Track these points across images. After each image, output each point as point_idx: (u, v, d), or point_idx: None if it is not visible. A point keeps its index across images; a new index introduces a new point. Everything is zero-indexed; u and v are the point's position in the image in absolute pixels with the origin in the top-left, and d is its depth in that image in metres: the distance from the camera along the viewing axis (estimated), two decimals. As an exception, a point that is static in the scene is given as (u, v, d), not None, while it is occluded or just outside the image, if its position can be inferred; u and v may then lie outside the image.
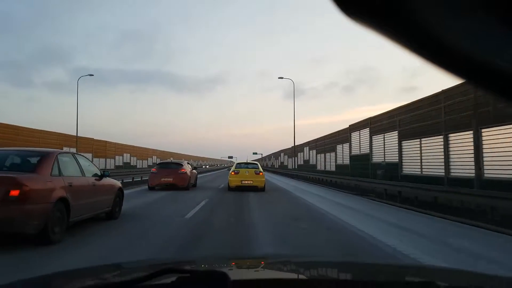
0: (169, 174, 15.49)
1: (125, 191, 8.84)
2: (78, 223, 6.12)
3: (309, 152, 34.30)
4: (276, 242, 5.82)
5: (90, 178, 6.62)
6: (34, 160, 5.67)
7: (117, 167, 42.60)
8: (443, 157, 11.85)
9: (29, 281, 1.16)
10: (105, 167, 38.24)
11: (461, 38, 0.36)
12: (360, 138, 19.96)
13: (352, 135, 21.44)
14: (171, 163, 17.20)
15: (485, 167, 9.89)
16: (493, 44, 0.35)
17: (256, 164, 16.75)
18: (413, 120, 13.89)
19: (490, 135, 9.75)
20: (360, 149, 19.99)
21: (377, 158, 17.64)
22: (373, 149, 18.14)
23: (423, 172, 13.19)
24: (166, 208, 9.76)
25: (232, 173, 15.76)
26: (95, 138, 40.85)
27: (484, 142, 9.95)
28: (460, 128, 10.98)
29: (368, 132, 18.56)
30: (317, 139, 30.79)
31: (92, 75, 38.66)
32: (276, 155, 63.13)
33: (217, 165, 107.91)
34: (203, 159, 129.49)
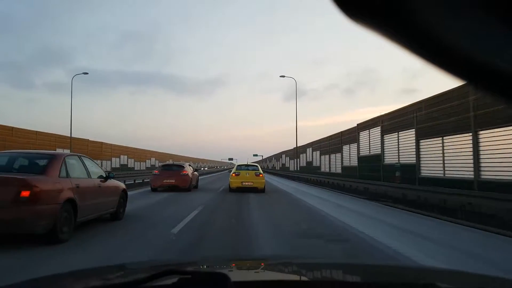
0: (171, 176, 15.82)
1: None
2: (84, 223, 6.28)
3: (312, 153, 32.87)
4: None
5: (95, 180, 6.76)
6: (42, 162, 5.78)
7: (113, 169, 41.21)
8: (472, 157, 10.41)
9: (33, 282, 1.20)
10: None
11: (461, 39, 0.36)
12: (369, 137, 18.51)
13: (360, 134, 19.99)
14: (173, 165, 17.68)
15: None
16: (493, 44, 0.35)
17: (256, 166, 16.98)
18: (433, 116, 12.44)
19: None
20: (369, 150, 18.54)
21: (389, 159, 16.19)
22: (385, 149, 16.69)
23: (446, 175, 11.74)
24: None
25: (233, 174, 16.07)
26: (91, 139, 39.70)
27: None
28: (494, 123, 9.54)
29: (379, 131, 17.11)
30: (321, 139, 29.35)
31: (87, 73, 37.04)
32: (277, 156, 61.72)
33: (216, 167, 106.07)
34: (203, 161, 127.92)
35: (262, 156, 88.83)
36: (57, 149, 30.33)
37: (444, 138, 11.87)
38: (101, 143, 42.00)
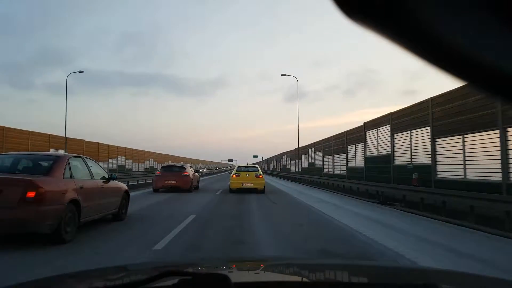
0: (173, 177, 16.05)
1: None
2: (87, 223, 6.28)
3: (314, 154, 31.73)
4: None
5: (98, 181, 6.83)
6: (47, 163, 5.86)
7: (110, 170, 40.07)
8: (499, 157, 9.28)
9: (36, 282, 1.23)
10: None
11: (461, 39, 0.36)
12: (378, 136, 17.37)
13: (367, 134, 18.85)
14: (175, 166, 17.85)
15: None
16: (496, 45, 0.36)
17: (256, 167, 17.32)
18: (452, 112, 11.31)
19: None
20: (378, 150, 17.39)
21: (401, 159, 15.05)
22: (395, 149, 15.55)
23: (467, 177, 10.61)
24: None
25: (233, 176, 16.30)
26: (86, 139, 38.63)
27: None
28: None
29: (389, 130, 15.96)
30: (325, 139, 28.21)
31: (82, 71, 35.98)
32: (278, 157, 60.55)
33: (216, 168, 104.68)
34: (202, 162, 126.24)
35: (262, 157, 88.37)
36: (51, 149, 29.58)
37: (465, 136, 10.73)
38: (98, 143, 40.92)
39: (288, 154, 48.73)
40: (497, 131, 9.35)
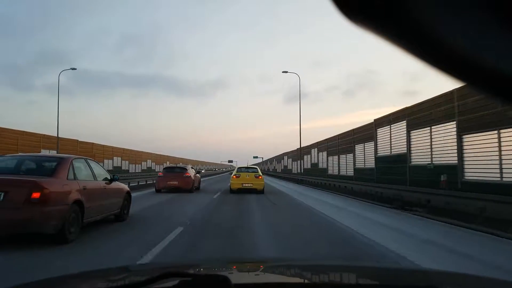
0: (175, 178, 16.36)
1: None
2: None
3: (318, 154, 30.23)
4: None
5: (101, 182, 6.90)
6: (51, 165, 5.94)
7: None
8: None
9: (39, 283, 1.23)
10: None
11: (461, 40, 0.36)
12: (391, 134, 15.84)
13: (378, 131, 17.32)
14: (177, 167, 18.25)
15: None
16: (496, 46, 0.35)
17: (256, 168, 17.64)
18: (484, 104, 9.78)
19: None
20: (391, 149, 15.87)
21: (418, 159, 13.53)
22: (411, 148, 14.03)
23: (504, 178, 9.11)
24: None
25: (234, 176, 16.60)
26: (80, 139, 37.18)
27: None
28: None
29: (405, 126, 14.43)
30: (329, 138, 26.70)
31: (75, 69, 34.61)
32: (279, 158, 59.06)
33: (215, 169, 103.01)
34: (202, 163, 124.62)
35: (263, 158, 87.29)
36: (42, 150, 28.27)
37: (502, 131, 9.22)
38: (92, 143, 39.48)
39: (289, 154, 47.32)
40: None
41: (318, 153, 30.19)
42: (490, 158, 9.62)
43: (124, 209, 7.79)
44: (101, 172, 7.22)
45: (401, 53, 0.38)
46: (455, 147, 11.08)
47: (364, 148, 19.09)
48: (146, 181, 22.69)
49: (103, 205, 6.73)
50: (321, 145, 29.17)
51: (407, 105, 14.36)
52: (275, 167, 62.77)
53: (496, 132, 9.39)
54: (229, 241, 6.02)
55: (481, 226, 7.75)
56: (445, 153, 11.69)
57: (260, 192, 16.13)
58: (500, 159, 9.26)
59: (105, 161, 40.80)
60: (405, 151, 14.34)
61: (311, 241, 6.20)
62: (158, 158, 59.34)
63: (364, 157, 19.08)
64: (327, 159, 26.79)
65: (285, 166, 49.95)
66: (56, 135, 31.10)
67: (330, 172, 25.81)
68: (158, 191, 16.39)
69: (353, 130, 21.00)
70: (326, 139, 27.48)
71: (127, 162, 46.93)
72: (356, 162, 20.41)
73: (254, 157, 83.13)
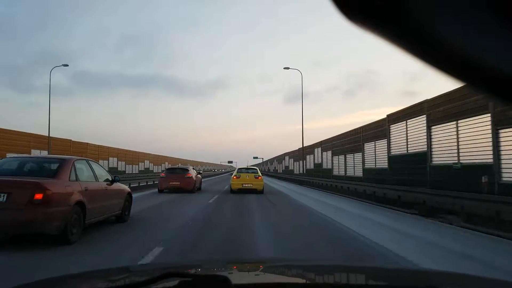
0: (177, 179, 16.79)
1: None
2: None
3: (321, 154, 28.67)
4: None
5: (102, 183, 6.97)
6: (53, 166, 6.03)
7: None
8: None
9: (40, 283, 1.24)
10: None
11: (462, 41, 0.36)
12: (407, 131, 14.28)
13: (391, 128, 15.78)
14: (178, 168, 18.67)
15: None
16: (496, 46, 0.35)
17: (256, 169, 18.18)
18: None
19: None
20: (407, 147, 14.31)
21: (440, 157, 11.97)
22: (433, 145, 12.48)
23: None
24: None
25: (234, 177, 17.10)
26: (73, 139, 35.70)
27: None
28: None
29: (425, 121, 12.87)
30: (334, 137, 25.15)
31: (67, 65, 33.29)
32: (280, 158, 57.50)
33: (214, 170, 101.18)
34: (201, 163, 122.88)
35: (263, 158, 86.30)
36: (32, 150, 26.74)
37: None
38: (86, 144, 37.96)
39: (290, 154, 45.81)
40: None
41: (322, 152, 28.64)
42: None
43: (125, 210, 7.81)
44: (102, 173, 7.27)
45: (401, 53, 0.38)
46: (490, 144, 9.53)
47: (375, 147, 17.54)
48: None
49: (104, 206, 6.78)
50: (325, 144, 27.63)
51: (426, 98, 12.81)
52: (276, 168, 61.25)
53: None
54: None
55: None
56: (476, 151, 10.14)
57: (260, 192, 16.45)
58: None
59: (100, 161, 39.23)
60: (425, 149, 12.78)
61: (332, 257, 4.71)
62: (156, 159, 57.74)
63: (375, 156, 17.52)
64: (332, 159, 25.26)
65: (286, 167, 48.45)
66: (48, 135, 29.68)
67: (335, 173, 24.27)
68: (160, 191, 16.83)
69: (362, 127, 19.45)
70: (331, 138, 25.94)
71: (123, 162, 45.35)
72: (366, 162, 18.86)
73: (254, 158, 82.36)
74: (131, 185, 17.39)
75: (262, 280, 1.35)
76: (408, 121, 14.18)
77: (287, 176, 41.03)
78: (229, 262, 1.99)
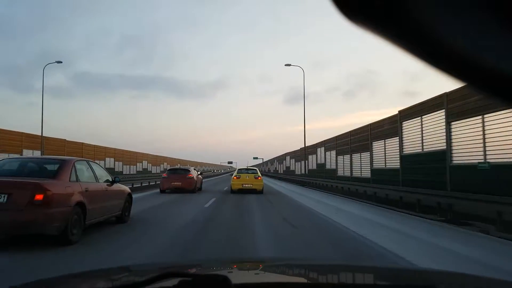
0: (178, 179, 17.08)
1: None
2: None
3: (325, 154, 27.54)
4: None
5: (103, 184, 7.01)
6: (53, 167, 6.05)
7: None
8: None
9: (41, 282, 1.24)
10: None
11: (462, 41, 0.36)
12: (422, 128, 13.13)
13: (404, 125, 14.64)
14: (180, 169, 18.99)
15: None
16: (496, 46, 0.36)
17: (255, 170, 18.58)
18: None
19: None
20: (422, 145, 13.16)
21: (462, 157, 10.83)
22: (452, 143, 11.33)
23: None
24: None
25: (234, 177, 17.42)
26: (68, 139, 34.54)
27: None
28: None
29: (443, 116, 11.73)
30: (339, 136, 24.02)
31: (61, 62, 32.39)
32: (280, 159, 56.37)
33: (213, 171, 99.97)
34: (201, 164, 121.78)
35: (263, 159, 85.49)
36: (24, 150, 25.55)
37: None
38: (82, 143, 36.81)
39: (291, 154, 44.72)
40: None
41: (325, 152, 27.52)
42: None
43: (126, 210, 7.84)
44: (102, 174, 7.32)
45: (401, 53, 0.37)
46: (525, 140, 8.40)
47: (385, 145, 16.39)
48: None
49: (104, 207, 6.81)
50: (328, 144, 26.50)
51: (446, 91, 11.66)
52: (276, 168, 60.14)
53: None
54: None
55: None
56: (506, 149, 9.00)
57: (260, 192, 16.80)
58: None
59: (97, 162, 38.22)
60: (444, 147, 11.62)
61: None
62: (155, 159, 56.65)
63: (385, 155, 16.38)
64: (336, 159, 24.12)
65: (287, 167, 47.36)
66: (41, 134, 28.55)
67: (340, 173, 23.14)
68: (162, 191, 17.09)
69: (370, 124, 18.30)
70: (335, 137, 24.81)
71: (120, 163, 44.18)
72: (374, 162, 17.72)
73: (254, 158, 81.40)
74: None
75: (262, 280, 1.37)
76: (423, 116, 13.03)
77: (288, 176, 39.98)
78: (229, 261, 2.03)
